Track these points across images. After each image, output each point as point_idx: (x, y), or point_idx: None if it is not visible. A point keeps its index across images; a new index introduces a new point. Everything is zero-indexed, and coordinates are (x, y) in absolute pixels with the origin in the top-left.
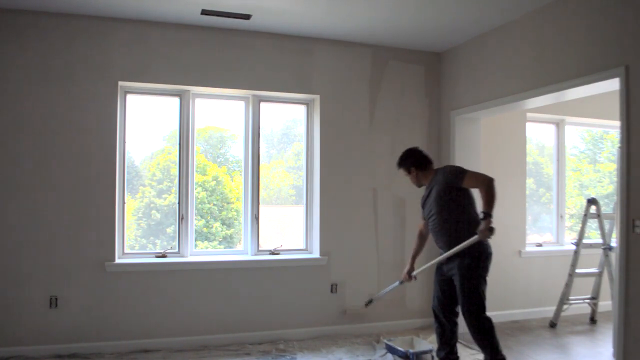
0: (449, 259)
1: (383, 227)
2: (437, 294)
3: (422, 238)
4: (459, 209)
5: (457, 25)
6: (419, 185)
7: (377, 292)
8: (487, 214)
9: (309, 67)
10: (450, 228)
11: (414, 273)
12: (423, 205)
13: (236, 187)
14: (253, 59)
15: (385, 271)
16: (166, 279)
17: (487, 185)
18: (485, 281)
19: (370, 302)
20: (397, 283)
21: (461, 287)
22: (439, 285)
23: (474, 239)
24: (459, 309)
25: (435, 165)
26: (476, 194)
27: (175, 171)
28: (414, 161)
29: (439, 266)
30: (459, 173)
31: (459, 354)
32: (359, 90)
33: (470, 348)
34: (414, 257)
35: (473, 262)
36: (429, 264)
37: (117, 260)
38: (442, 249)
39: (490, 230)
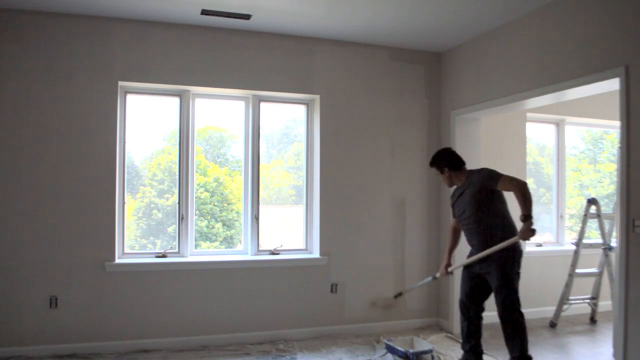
0: (483, 260)
1: (383, 227)
2: (466, 290)
3: (456, 234)
4: (493, 211)
5: (457, 25)
6: (451, 185)
7: (407, 286)
8: (527, 216)
9: (309, 67)
10: (484, 228)
11: (451, 269)
12: (453, 205)
13: (237, 187)
14: (253, 59)
15: (385, 271)
16: (166, 279)
17: (522, 189)
18: (519, 277)
19: (400, 294)
20: (429, 278)
21: (498, 283)
22: (468, 281)
23: (514, 239)
24: (485, 305)
25: (468, 166)
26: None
27: (175, 171)
28: (447, 162)
29: (469, 264)
30: (495, 176)
31: (482, 348)
32: (359, 91)
33: None
34: (450, 252)
35: (508, 259)
36: (465, 262)
37: (117, 260)
38: (474, 247)
39: (532, 232)
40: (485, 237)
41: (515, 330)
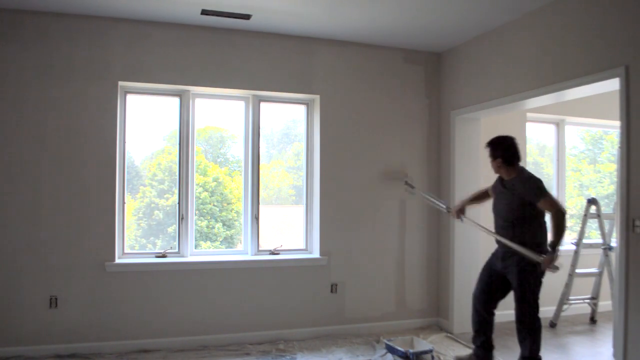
0: (506, 258)
1: (383, 227)
2: (482, 286)
3: (484, 195)
4: (528, 219)
5: (457, 25)
6: (497, 173)
7: (423, 192)
8: (555, 245)
9: (309, 67)
10: (515, 230)
11: (465, 217)
12: (493, 189)
13: (236, 187)
14: (253, 59)
15: (385, 271)
16: (166, 279)
17: (559, 218)
18: (540, 283)
19: (410, 186)
20: (444, 205)
21: (518, 286)
22: (487, 278)
23: (535, 259)
24: (500, 303)
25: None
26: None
27: (175, 171)
28: (503, 153)
29: (493, 261)
30: (539, 194)
31: (493, 343)
32: (359, 90)
33: (467, 346)
34: (468, 201)
35: (529, 267)
36: (484, 228)
37: (117, 260)
38: (500, 235)
39: (555, 267)
40: (514, 238)
41: (529, 334)
